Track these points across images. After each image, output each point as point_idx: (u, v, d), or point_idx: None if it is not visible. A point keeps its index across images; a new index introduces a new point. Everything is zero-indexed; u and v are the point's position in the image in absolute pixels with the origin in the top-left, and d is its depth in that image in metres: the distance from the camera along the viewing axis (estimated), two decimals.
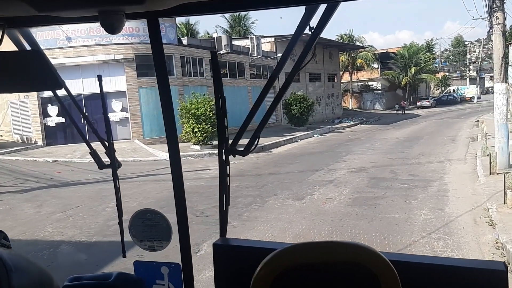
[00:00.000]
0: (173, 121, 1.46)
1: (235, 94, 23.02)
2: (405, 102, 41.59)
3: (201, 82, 22.07)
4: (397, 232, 6.40)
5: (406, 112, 38.80)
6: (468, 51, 61.52)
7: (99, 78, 1.59)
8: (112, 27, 0.96)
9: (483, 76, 59.03)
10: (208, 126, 16.77)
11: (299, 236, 6.35)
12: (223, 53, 22.58)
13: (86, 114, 1.78)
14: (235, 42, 25.89)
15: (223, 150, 1.47)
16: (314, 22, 1.24)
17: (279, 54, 24.93)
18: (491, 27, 11.26)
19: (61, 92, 1.51)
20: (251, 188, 9.90)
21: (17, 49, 1.37)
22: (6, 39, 1.28)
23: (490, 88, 53.67)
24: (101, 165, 1.60)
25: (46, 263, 5.39)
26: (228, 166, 1.49)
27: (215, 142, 15.26)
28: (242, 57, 25.35)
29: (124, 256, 1.66)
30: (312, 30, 1.25)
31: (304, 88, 29.68)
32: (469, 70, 60.32)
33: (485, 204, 7.59)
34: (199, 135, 17.02)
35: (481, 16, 21.15)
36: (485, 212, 7.17)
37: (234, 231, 6.45)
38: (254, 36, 26.12)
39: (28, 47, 1.42)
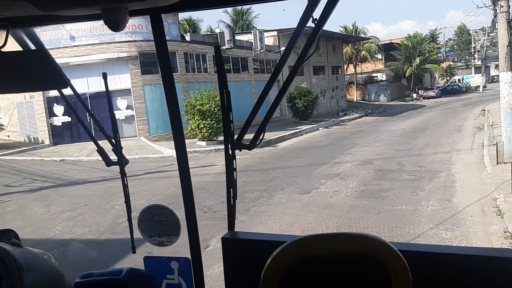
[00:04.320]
0: (179, 118, 1.46)
1: (239, 89, 22.96)
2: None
3: (205, 78, 22.05)
4: (405, 223, 6.39)
5: (410, 102, 39.59)
6: (472, 40, 60.89)
7: (104, 76, 1.59)
8: (115, 25, 0.96)
9: (488, 65, 58.34)
10: (214, 122, 16.78)
11: (307, 230, 6.35)
12: (226, 48, 22.52)
13: (92, 112, 1.78)
14: (238, 37, 25.80)
15: (229, 145, 1.47)
16: (317, 13, 1.24)
17: (283, 48, 24.81)
18: (495, 16, 11.13)
19: (67, 91, 1.51)
20: (258, 183, 9.91)
21: (21, 49, 1.37)
22: (10, 39, 1.29)
23: (495, 77, 53.03)
24: (108, 162, 1.61)
25: (56, 261, 5.43)
26: (234, 160, 1.49)
27: (221, 138, 15.27)
28: (245, 52, 25.27)
29: (134, 252, 1.67)
30: (316, 22, 1.24)
31: (308, 81, 29.57)
32: (474, 59, 59.68)
33: (492, 194, 7.55)
34: (204, 131, 17.05)
35: (485, 4, 20.82)
36: (493, 202, 7.14)
37: (242, 226, 6.47)
38: (257, 31, 26.00)
39: (32, 47, 1.43)
